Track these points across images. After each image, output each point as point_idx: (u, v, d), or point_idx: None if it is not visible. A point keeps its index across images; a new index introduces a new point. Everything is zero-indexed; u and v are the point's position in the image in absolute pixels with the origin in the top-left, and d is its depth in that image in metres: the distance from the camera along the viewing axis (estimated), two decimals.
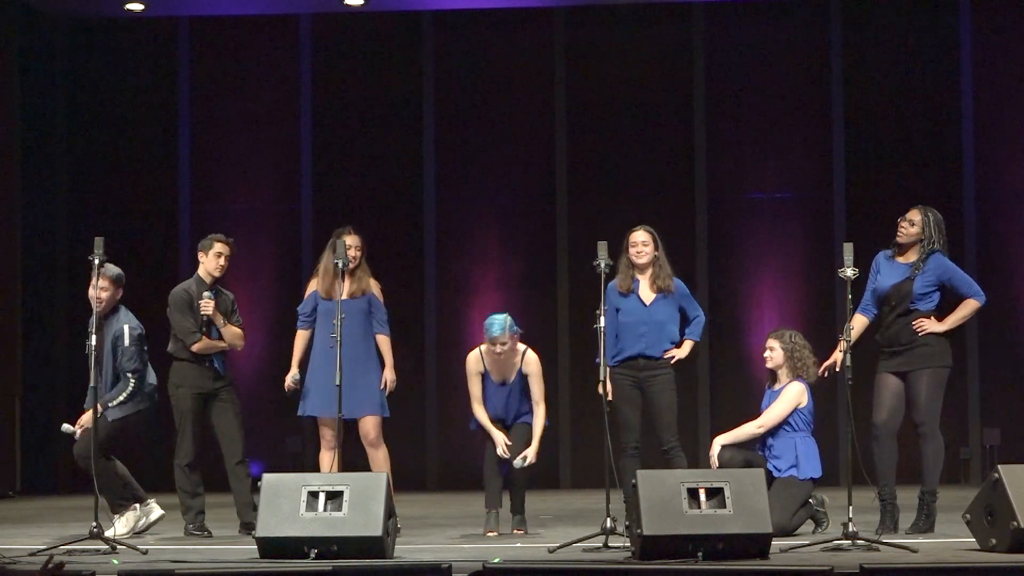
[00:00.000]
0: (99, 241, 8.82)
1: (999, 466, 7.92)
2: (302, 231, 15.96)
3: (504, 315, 9.48)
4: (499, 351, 9.41)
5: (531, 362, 9.54)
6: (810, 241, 15.55)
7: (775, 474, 9.15)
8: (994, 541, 7.67)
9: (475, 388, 9.57)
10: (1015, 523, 7.52)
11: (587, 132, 15.99)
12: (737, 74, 15.94)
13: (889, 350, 9.14)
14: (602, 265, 8.56)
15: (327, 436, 9.49)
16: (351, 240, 9.54)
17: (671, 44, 16.00)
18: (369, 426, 9.56)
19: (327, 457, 9.49)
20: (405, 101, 16.14)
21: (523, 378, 9.52)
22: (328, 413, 9.36)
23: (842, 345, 8.61)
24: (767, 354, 9.40)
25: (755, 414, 9.41)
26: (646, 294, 9.40)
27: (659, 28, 16.01)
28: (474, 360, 9.60)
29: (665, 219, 15.10)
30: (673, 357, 9.38)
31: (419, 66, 16.11)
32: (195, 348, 9.55)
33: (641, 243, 9.40)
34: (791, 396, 9.27)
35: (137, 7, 15.64)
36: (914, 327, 9.01)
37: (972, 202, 15.51)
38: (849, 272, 8.36)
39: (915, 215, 9.17)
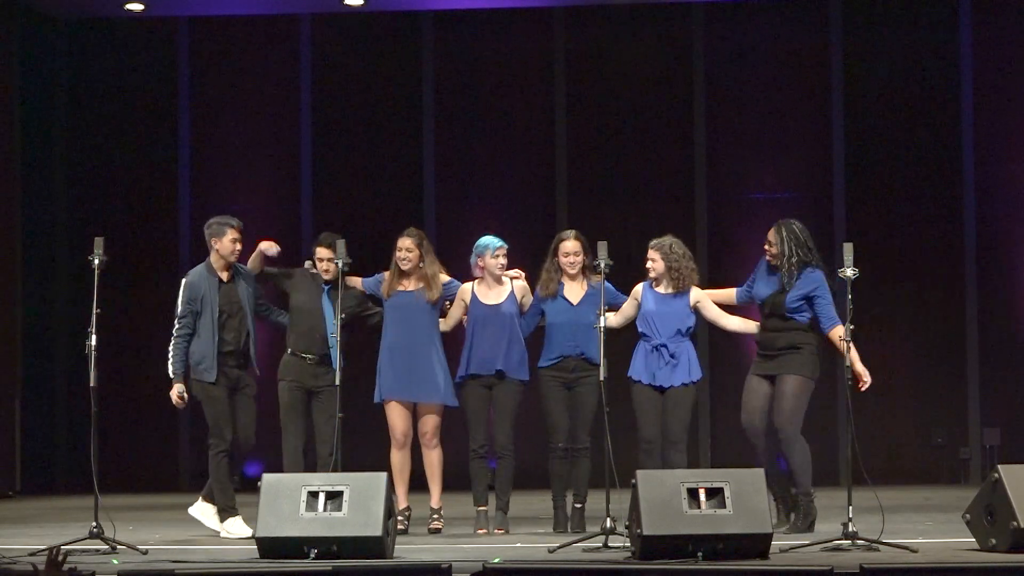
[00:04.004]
0: (99, 241, 8.83)
1: (999, 466, 7.94)
2: (302, 231, 15.94)
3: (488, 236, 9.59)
4: (503, 263, 9.43)
5: (518, 284, 9.58)
6: None
7: (671, 384, 9.19)
8: (994, 541, 7.67)
9: (456, 310, 9.57)
10: (1015, 523, 7.53)
11: (587, 132, 15.99)
12: (737, 74, 15.93)
13: (764, 353, 9.26)
14: (602, 265, 8.59)
15: (395, 432, 9.48)
16: (401, 243, 9.68)
17: (671, 44, 16.00)
18: (428, 423, 9.47)
19: (396, 457, 9.51)
20: (405, 101, 16.14)
21: (515, 311, 9.46)
22: (396, 396, 9.40)
23: (843, 346, 8.60)
24: (649, 264, 9.35)
25: None
26: (573, 294, 9.40)
27: (659, 28, 16.01)
28: (466, 289, 9.58)
29: (665, 219, 15.10)
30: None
31: (419, 66, 16.11)
32: None
33: (572, 253, 9.38)
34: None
35: (137, 7, 15.65)
36: (859, 388, 8.89)
37: (972, 202, 15.51)
38: (849, 272, 8.37)
39: (771, 235, 9.24)
